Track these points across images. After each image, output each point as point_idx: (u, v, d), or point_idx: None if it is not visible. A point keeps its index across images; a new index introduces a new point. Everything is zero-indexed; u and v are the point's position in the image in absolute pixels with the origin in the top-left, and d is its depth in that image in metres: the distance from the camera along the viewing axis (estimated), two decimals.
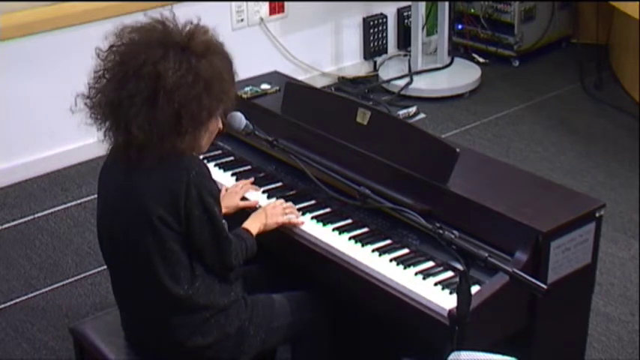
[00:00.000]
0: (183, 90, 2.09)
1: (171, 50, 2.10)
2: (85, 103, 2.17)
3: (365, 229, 2.48)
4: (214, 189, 2.22)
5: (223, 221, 2.26)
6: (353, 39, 5.43)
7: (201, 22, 2.22)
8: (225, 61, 2.21)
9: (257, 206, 2.59)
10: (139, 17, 2.21)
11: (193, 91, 2.10)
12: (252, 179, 2.72)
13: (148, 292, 2.23)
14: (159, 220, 2.14)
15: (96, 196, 2.35)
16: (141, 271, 2.21)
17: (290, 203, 2.56)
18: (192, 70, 2.10)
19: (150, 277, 2.19)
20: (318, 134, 2.70)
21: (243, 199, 2.65)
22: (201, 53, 2.13)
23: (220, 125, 2.29)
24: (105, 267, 2.41)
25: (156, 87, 2.08)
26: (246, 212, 2.54)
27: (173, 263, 2.18)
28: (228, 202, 2.60)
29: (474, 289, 2.11)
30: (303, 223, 2.51)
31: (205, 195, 2.16)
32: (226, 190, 2.68)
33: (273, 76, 3.19)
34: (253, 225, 2.43)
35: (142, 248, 2.18)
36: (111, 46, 2.16)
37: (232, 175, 2.78)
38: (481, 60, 5.59)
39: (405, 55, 5.48)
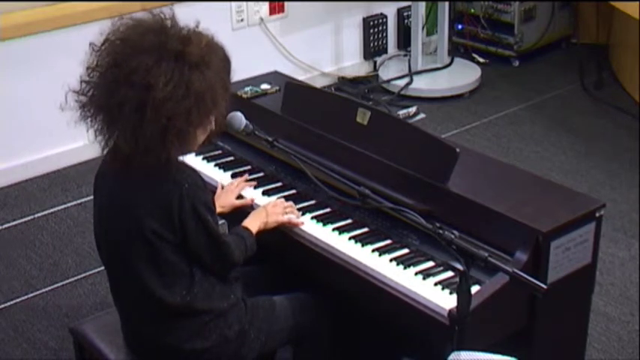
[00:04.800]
0: (172, 104, 2.02)
1: (164, 58, 2.03)
2: (76, 101, 2.12)
3: (365, 229, 2.48)
4: (208, 198, 2.19)
5: (223, 221, 2.25)
6: (353, 39, 5.43)
7: (200, 26, 2.15)
8: (220, 69, 2.13)
9: (253, 204, 2.59)
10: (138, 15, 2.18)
11: (183, 105, 2.04)
12: (246, 176, 2.72)
13: (144, 302, 2.22)
14: (152, 234, 2.12)
15: None
16: (136, 281, 2.19)
17: (290, 202, 2.56)
18: (183, 82, 2.03)
19: (145, 288, 2.18)
20: (318, 134, 2.70)
21: (239, 197, 2.63)
22: (195, 63, 2.06)
23: (214, 126, 2.22)
24: None
25: (145, 98, 2.01)
26: (245, 211, 2.54)
27: (169, 274, 2.17)
28: (224, 202, 2.59)
29: (474, 289, 2.11)
30: (303, 223, 2.51)
31: (199, 206, 2.14)
32: (222, 187, 2.67)
33: (273, 76, 3.19)
34: (253, 223, 2.42)
35: (136, 260, 2.16)
36: (106, 40, 2.10)
37: (232, 175, 2.78)
38: (481, 60, 5.59)
39: (405, 55, 5.48)
